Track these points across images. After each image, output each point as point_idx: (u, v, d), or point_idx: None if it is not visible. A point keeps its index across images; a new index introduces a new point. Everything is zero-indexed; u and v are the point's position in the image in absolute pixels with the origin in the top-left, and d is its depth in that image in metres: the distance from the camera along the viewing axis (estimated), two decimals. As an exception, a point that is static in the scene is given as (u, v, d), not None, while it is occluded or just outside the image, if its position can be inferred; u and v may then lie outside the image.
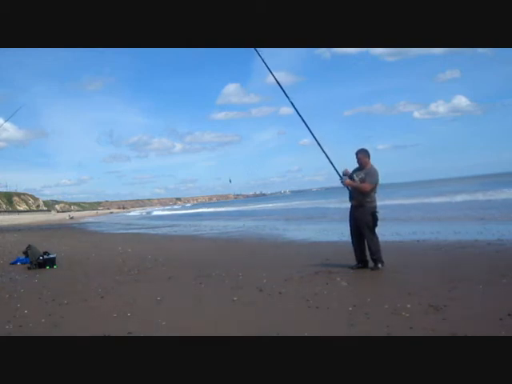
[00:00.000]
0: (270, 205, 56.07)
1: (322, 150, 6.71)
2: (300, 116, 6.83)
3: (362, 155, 6.50)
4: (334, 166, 6.66)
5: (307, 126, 6.82)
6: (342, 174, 6.57)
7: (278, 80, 7.08)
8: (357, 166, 6.58)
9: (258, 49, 6.59)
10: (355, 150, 6.56)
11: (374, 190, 6.40)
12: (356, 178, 6.45)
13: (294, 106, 6.86)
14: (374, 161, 6.53)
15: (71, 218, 68.41)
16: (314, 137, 6.77)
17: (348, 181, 6.47)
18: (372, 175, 6.38)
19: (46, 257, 8.93)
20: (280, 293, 5.23)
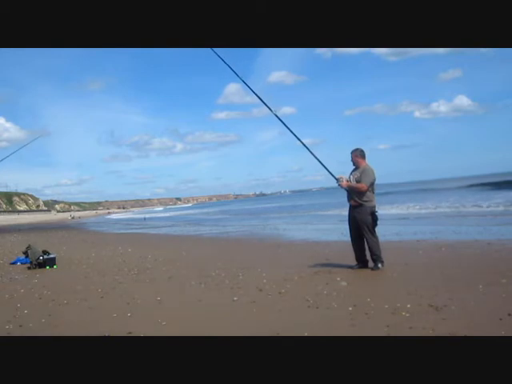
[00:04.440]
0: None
1: (314, 155, 6.73)
2: (285, 125, 6.85)
3: (355, 155, 6.58)
4: (328, 169, 6.68)
5: (294, 133, 6.84)
6: (337, 178, 6.59)
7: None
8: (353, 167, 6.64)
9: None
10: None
11: (371, 189, 6.42)
12: (352, 178, 6.49)
13: (277, 117, 6.88)
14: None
15: (73, 217, 68.55)
16: (304, 144, 6.82)
17: (344, 182, 6.49)
18: (367, 174, 6.40)
19: (46, 257, 8.92)
20: (280, 293, 5.23)
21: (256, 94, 7.04)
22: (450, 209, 21.13)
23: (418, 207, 23.83)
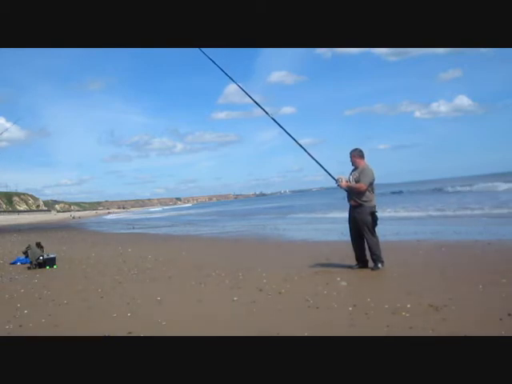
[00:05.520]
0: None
1: (312, 157, 6.74)
2: (281, 127, 6.85)
3: (354, 155, 6.60)
4: (326, 170, 6.69)
5: (291, 135, 6.82)
6: (336, 178, 6.60)
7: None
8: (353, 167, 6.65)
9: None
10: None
11: (370, 189, 6.42)
12: (351, 178, 6.50)
13: (274, 120, 6.88)
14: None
15: (73, 217, 68.91)
16: (301, 146, 6.81)
17: (343, 182, 6.50)
18: (366, 174, 6.41)
19: (46, 257, 8.93)
20: (280, 293, 5.23)
21: (251, 98, 7.05)
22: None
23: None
